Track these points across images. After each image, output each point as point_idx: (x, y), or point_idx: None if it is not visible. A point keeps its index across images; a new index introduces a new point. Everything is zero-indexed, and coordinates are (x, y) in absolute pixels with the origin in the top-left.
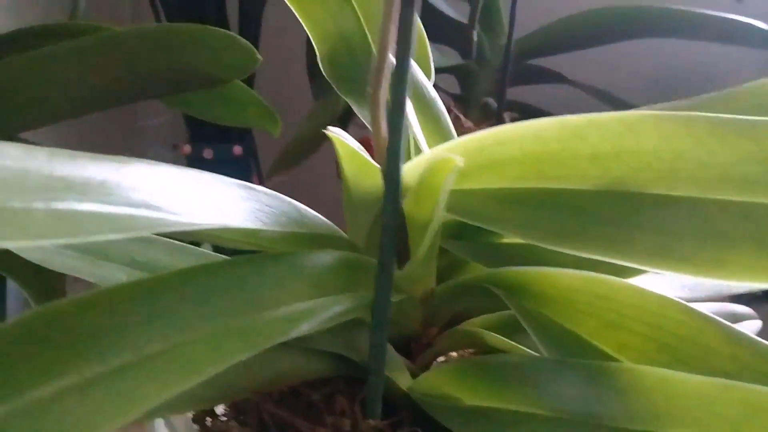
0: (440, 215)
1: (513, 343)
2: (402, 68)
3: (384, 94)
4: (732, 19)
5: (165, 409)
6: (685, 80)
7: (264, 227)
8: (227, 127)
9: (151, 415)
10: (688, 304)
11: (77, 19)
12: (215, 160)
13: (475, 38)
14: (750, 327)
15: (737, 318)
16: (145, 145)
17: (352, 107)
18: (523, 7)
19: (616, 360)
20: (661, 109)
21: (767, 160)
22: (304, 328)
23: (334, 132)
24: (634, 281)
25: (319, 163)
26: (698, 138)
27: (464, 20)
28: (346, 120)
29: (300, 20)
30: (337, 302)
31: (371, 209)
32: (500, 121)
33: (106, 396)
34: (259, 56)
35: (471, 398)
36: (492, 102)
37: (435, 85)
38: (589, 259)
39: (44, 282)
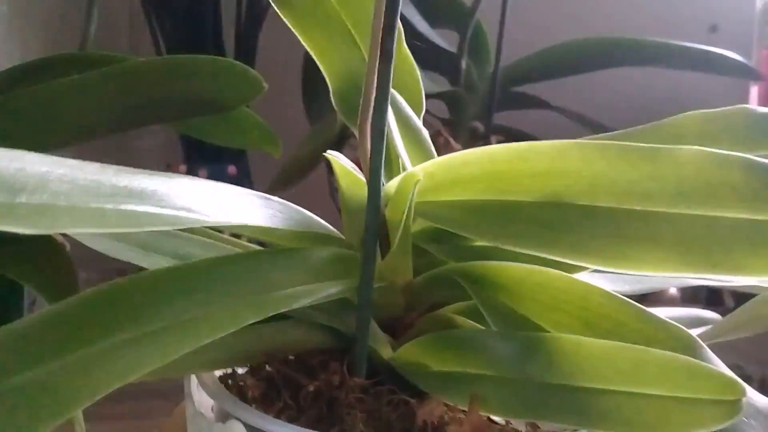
0: (410, 217)
1: (480, 326)
2: (381, 103)
3: (369, 124)
4: (705, 50)
5: (197, 367)
6: (659, 106)
7: (276, 226)
8: (222, 148)
9: (187, 370)
10: (607, 290)
11: (86, 49)
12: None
13: (463, 66)
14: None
15: (704, 322)
16: (138, 164)
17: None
18: (509, 37)
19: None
20: (602, 139)
21: (661, 178)
22: (304, 302)
23: (333, 154)
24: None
25: (312, 182)
26: (610, 160)
27: (454, 49)
28: (341, 142)
29: (318, 62)
30: (331, 286)
31: (362, 215)
32: (487, 143)
33: (155, 346)
34: (265, 85)
35: (438, 365)
36: (479, 126)
37: (426, 110)
38: (543, 259)
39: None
